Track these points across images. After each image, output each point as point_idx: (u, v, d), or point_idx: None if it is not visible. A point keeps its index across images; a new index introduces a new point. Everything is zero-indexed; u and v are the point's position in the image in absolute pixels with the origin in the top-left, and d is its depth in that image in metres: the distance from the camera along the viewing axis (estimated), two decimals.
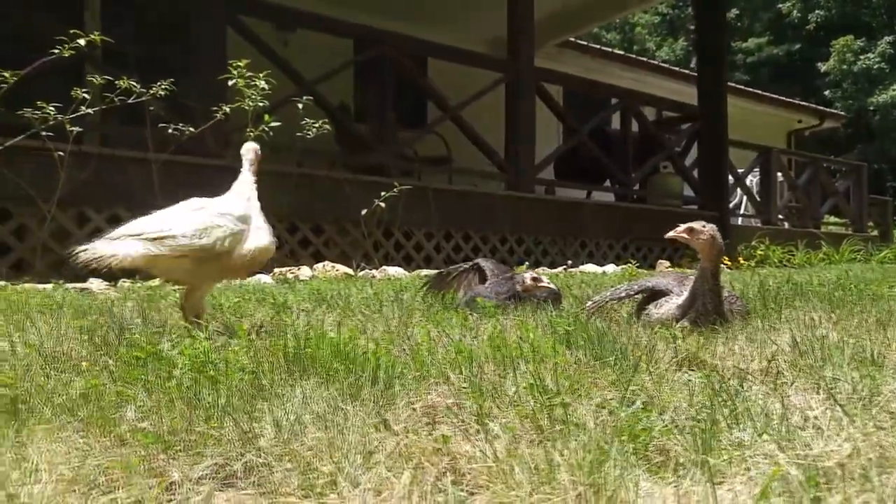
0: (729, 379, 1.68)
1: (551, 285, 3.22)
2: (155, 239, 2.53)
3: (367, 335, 2.28)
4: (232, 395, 1.47)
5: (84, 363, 1.76)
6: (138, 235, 2.53)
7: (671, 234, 2.64)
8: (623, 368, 1.74)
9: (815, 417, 1.36)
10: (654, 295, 2.79)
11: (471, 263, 3.53)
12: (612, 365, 1.76)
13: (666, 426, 1.30)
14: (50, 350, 1.90)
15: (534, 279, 3.13)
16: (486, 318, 2.62)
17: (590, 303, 3.06)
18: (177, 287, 4.50)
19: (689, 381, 1.65)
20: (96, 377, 1.54)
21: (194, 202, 2.83)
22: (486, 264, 3.43)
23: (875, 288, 3.65)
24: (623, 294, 2.96)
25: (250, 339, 1.99)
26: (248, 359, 1.75)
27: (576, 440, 1.20)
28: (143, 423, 1.32)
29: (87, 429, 1.29)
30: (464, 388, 1.54)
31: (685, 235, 2.61)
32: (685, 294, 2.58)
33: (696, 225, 2.60)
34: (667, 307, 2.61)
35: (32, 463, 1.12)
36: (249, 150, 2.99)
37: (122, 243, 2.48)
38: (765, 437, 1.25)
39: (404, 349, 2.04)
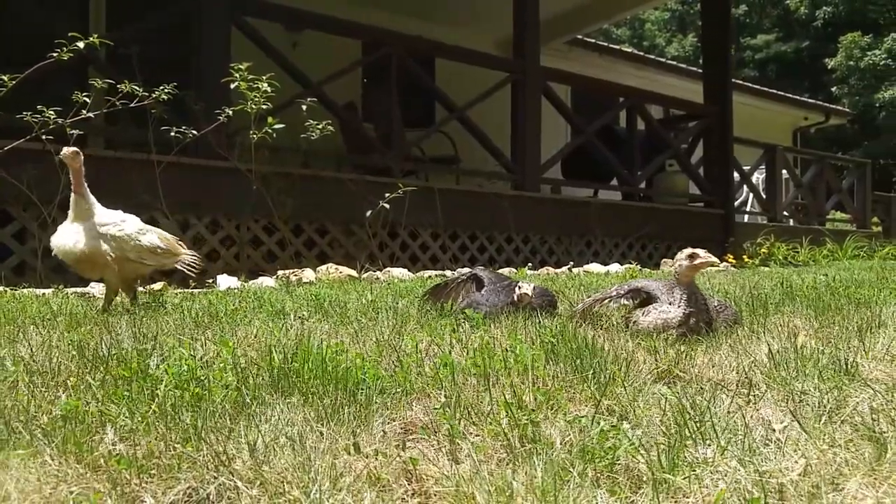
0: (703, 392, 1.71)
1: (547, 295, 3.24)
2: None
3: (359, 346, 2.32)
4: (213, 414, 1.51)
5: (71, 379, 1.80)
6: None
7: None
8: (601, 382, 1.76)
9: (779, 432, 1.39)
10: (644, 300, 2.82)
11: (468, 273, 3.55)
12: (590, 379, 1.79)
13: (633, 444, 1.33)
14: (39, 365, 1.94)
15: (525, 289, 3.14)
16: (476, 327, 2.65)
17: (580, 305, 3.10)
18: (178, 291, 4.59)
19: (666, 394, 1.68)
20: (79, 397, 1.58)
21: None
22: (483, 273, 3.45)
23: (866, 291, 3.67)
24: (613, 294, 2.99)
25: (237, 354, 2.02)
26: (233, 375, 1.79)
27: (539, 460, 1.23)
28: (120, 446, 1.36)
29: (64, 453, 1.33)
30: (435, 407, 1.57)
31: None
32: (676, 303, 2.60)
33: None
34: (654, 315, 2.63)
35: (4, 491, 1.16)
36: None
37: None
38: (727, 453, 1.28)
39: (392, 361, 2.07)
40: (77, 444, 1.32)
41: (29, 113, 4.69)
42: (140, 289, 4.44)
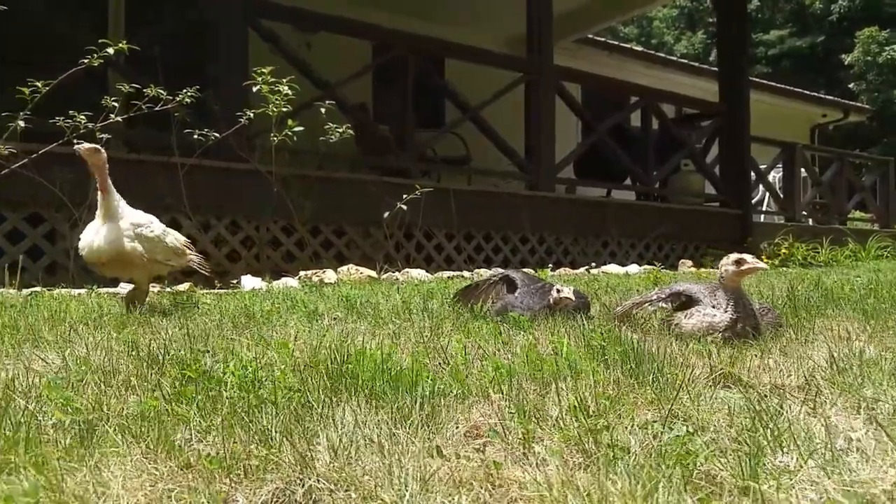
0: (767, 397, 1.69)
1: (581, 297, 3.24)
2: None
3: (401, 346, 2.31)
4: (284, 416, 1.51)
5: (133, 379, 1.81)
6: None
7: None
8: (661, 386, 1.75)
9: (858, 440, 1.37)
10: (684, 303, 2.80)
11: (500, 275, 3.54)
12: (650, 383, 1.78)
13: (710, 450, 1.32)
14: (99, 365, 1.95)
15: (566, 292, 3.13)
16: (517, 330, 2.64)
17: (618, 308, 3.09)
18: (205, 291, 4.59)
19: (728, 399, 1.67)
20: (151, 396, 1.58)
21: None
22: (515, 275, 3.43)
23: None
24: (654, 297, 2.98)
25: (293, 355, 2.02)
26: (294, 377, 1.79)
27: (623, 466, 1.23)
28: (199, 445, 1.36)
29: (154, 452, 1.34)
30: (509, 410, 1.56)
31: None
32: (722, 308, 2.58)
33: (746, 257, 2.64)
34: (698, 318, 2.61)
35: (112, 489, 1.16)
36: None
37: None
38: (810, 462, 1.27)
39: (439, 363, 2.07)
40: (169, 443, 1.33)
41: (61, 118, 4.70)
42: (167, 289, 4.47)
